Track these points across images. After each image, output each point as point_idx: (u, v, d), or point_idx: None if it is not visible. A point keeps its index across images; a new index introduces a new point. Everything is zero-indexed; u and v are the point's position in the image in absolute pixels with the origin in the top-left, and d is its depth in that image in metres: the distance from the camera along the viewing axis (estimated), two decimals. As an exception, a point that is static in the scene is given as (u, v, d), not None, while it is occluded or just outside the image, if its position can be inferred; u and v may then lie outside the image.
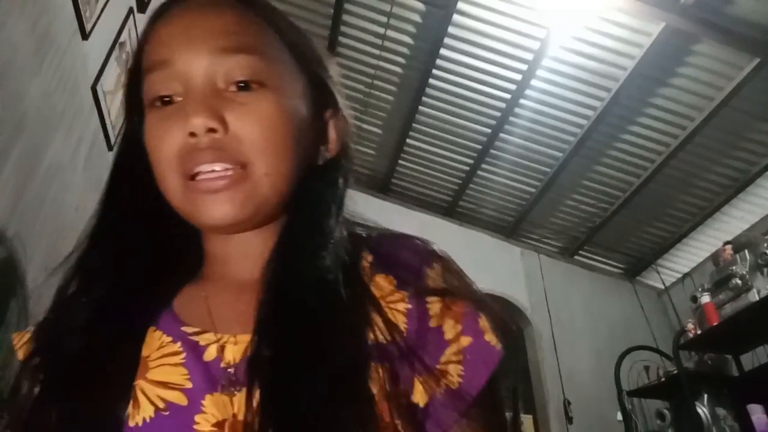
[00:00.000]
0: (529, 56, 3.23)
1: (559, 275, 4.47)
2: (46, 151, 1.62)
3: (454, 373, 0.45)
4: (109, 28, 1.96)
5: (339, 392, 0.41)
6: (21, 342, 0.52)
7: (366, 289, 0.47)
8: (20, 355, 0.50)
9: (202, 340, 0.47)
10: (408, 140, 3.95)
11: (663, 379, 2.94)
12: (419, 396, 0.44)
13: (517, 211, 4.33)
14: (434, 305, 0.47)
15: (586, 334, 4.23)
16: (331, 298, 0.45)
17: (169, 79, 0.47)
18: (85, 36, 1.74)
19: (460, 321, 0.47)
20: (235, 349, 0.46)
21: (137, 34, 2.20)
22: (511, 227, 4.46)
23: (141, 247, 0.52)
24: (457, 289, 0.49)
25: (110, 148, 2.11)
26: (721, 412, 2.53)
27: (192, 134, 0.45)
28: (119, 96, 2.14)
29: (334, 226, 0.50)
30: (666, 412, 2.79)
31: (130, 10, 2.11)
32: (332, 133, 0.56)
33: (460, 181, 4.19)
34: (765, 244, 2.46)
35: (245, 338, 0.45)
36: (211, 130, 0.45)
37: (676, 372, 2.71)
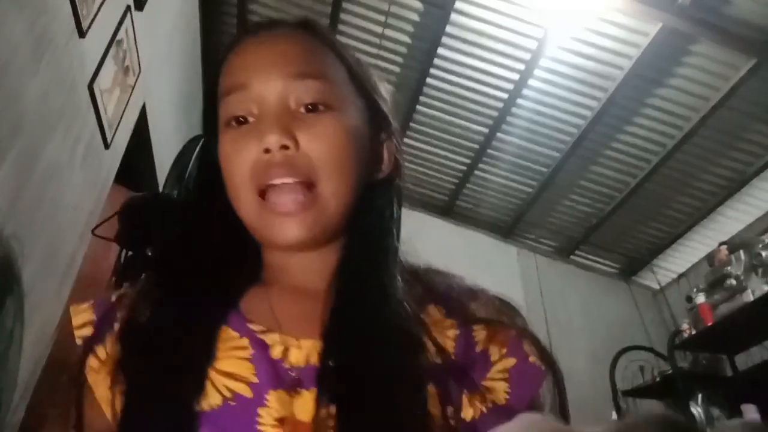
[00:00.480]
0: (526, 56, 3.24)
1: (555, 275, 4.48)
2: (44, 151, 1.62)
3: (501, 390, 0.50)
4: (107, 27, 1.95)
5: (402, 406, 0.45)
6: (78, 311, 0.56)
7: (418, 314, 0.51)
8: (76, 322, 0.55)
9: (268, 339, 0.50)
10: (405, 139, 3.95)
11: (658, 379, 2.95)
12: (468, 412, 0.48)
13: (514, 211, 4.33)
14: (480, 332, 0.52)
15: (582, 334, 4.24)
16: (395, 315, 0.49)
17: (245, 100, 0.52)
18: (82, 34, 1.73)
19: (505, 345, 0.52)
20: (298, 353, 0.49)
21: (134, 32, 2.19)
22: (507, 227, 4.47)
23: (212, 251, 0.56)
24: (499, 320, 0.54)
25: (107, 146, 2.11)
26: (715, 411, 2.55)
27: (267, 150, 0.50)
28: (116, 94, 2.13)
29: (393, 244, 0.55)
30: (661, 411, 2.80)
31: (128, 8, 2.10)
32: (385, 155, 0.60)
33: (457, 181, 4.20)
34: (760, 245, 2.48)
35: (308, 343, 0.49)
36: (284, 147, 0.50)
37: (671, 372, 2.73)
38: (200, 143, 1.55)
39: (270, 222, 0.51)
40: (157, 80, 2.68)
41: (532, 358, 0.52)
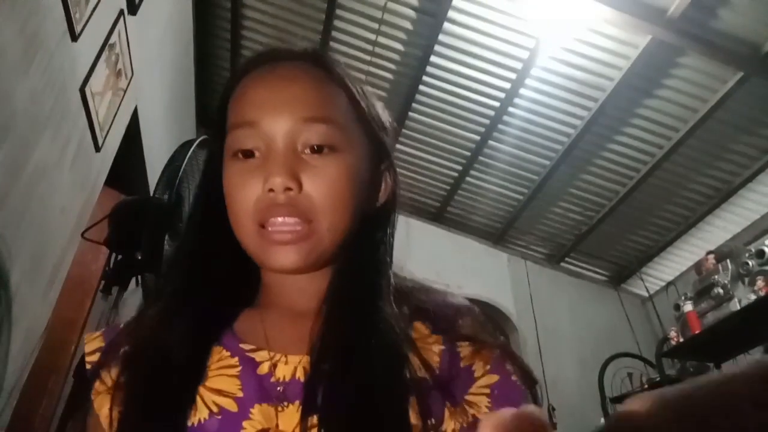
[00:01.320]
0: (518, 65, 3.27)
1: (545, 282, 4.51)
2: (33, 152, 1.61)
3: (482, 404, 0.52)
4: (99, 30, 1.95)
5: (386, 419, 0.47)
6: (91, 339, 0.60)
7: (406, 331, 0.54)
8: (87, 348, 0.58)
9: (258, 356, 0.53)
10: (398, 146, 3.94)
11: (646, 386, 2.97)
12: (449, 425, 0.50)
13: (505, 218, 4.36)
14: (465, 349, 0.54)
15: (571, 341, 4.26)
16: (382, 333, 0.52)
17: (254, 136, 0.54)
18: (74, 37, 1.73)
19: (488, 362, 0.54)
20: (285, 368, 0.52)
21: (127, 36, 2.19)
22: (498, 233, 4.49)
23: (211, 274, 0.59)
24: (485, 338, 0.56)
25: (98, 149, 2.10)
26: (702, 419, 2.56)
27: (271, 190, 0.52)
28: (108, 97, 2.13)
29: (387, 269, 0.58)
30: (648, 419, 2.81)
31: (121, 12, 2.10)
32: (384, 185, 0.62)
33: (449, 187, 4.22)
34: (746, 255, 2.51)
35: (295, 359, 0.52)
36: (288, 189, 0.52)
37: (659, 379, 2.74)
38: (192, 148, 1.56)
39: (268, 249, 0.54)
40: (149, 84, 2.68)
41: (514, 377, 0.54)
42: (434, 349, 0.54)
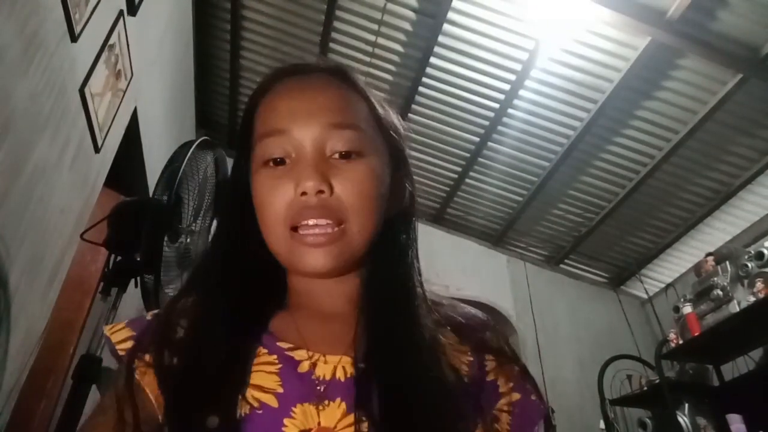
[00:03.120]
0: (518, 67, 3.27)
1: (544, 283, 4.51)
2: (32, 152, 1.61)
3: (504, 421, 0.55)
4: (99, 31, 1.95)
5: (445, 420, 0.49)
6: (113, 330, 0.59)
7: (437, 336, 0.56)
8: (116, 338, 0.58)
9: (297, 355, 0.54)
10: (397, 147, 3.96)
11: (645, 388, 2.96)
12: None
13: (504, 220, 4.36)
14: (490, 362, 0.57)
15: (571, 342, 4.26)
16: (422, 332, 0.54)
17: (284, 144, 0.57)
18: (74, 38, 1.73)
19: (510, 380, 0.57)
20: (325, 368, 0.53)
21: (127, 37, 2.19)
22: (498, 235, 4.49)
23: (244, 279, 0.60)
24: (510, 353, 0.59)
25: (97, 150, 2.10)
26: (701, 421, 2.56)
27: (304, 193, 0.54)
28: (107, 98, 2.13)
29: (416, 269, 0.61)
30: (648, 421, 2.81)
31: (120, 13, 2.10)
32: (402, 189, 0.65)
33: (449, 189, 4.22)
34: (746, 256, 2.51)
35: (334, 359, 0.54)
36: (320, 192, 0.54)
37: (658, 381, 2.74)
38: (191, 149, 1.55)
39: (299, 251, 0.56)
40: (148, 85, 2.68)
41: (533, 396, 0.57)
42: (463, 359, 0.56)
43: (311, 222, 0.55)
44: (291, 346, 0.55)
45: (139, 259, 1.48)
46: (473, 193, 4.23)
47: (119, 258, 1.56)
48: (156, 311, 0.61)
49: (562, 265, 4.68)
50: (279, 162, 0.57)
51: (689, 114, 3.25)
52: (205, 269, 0.63)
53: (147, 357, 0.54)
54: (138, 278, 1.49)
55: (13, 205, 1.53)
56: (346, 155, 0.57)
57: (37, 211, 1.69)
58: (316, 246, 0.55)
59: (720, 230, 3.87)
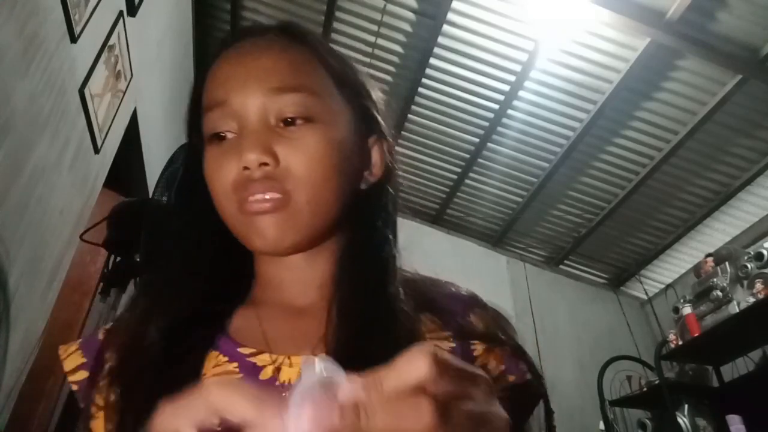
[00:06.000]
0: (517, 68, 3.27)
1: (544, 284, 4.50)
2: (32, 153, 1.61)
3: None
4: (99, 32, 1.95)
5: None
6: (67, 353, 0.55)
7: (416, 324, 0.51)
8: (67, 366, 0.54)
9: (259, 361, 0.49)
10: (397, 148, 3.93)
11: (645, 389, 2.96)
12: None
13: (504, 220, 4.36)
14: (478, 347, 0.52)
15: (570, 343, 4.26)
16: (393, 326, 0.48)
17: (225, 117, 0.52)
18: (73, 39, 1.73)
19: (502, 362, 0.52)
20: (290, 371, 0.48)
21: (126, 38, 2.19)
22: (497, 236, 4.49)
23: (200, 271, 0.55)
24: (497, 335, 0.54)
25: (97, 151, 2.10)
26: (701, 422, 2.56)
27: (246, 168, 0.50)
28: (107, 99, 2.13)
29: (391, 252, 0.54)
30: (647, 422, 2.81)
31: (120, 14, 2.10)
32: (376, 158, 0.59)
33: (448, 190, 4.22)
34: (745, 257, 2.51)
35: (299, 360, 0.48)
36: (264, 164, 0.49)
37: (657, 382, 2.74)
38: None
39: (250, 222, 0.51)
40: (148, 85, 2.68)
41: (528, 376, 0.53)
42: (444, 346, 0.51)
43: (258, 197, 0.50)
44: (253, 350, 0.50)
45: (138, 259, 1.49)
46: (473, 193, 4.22)
47: (119, 258, 1.56)
48: (108, 326, 0.56)
49: (561, 266, 4.68)
50: (224, 136, 0.52)
51: (689, 115, 3.25)
52: (158, 263, 0.58)
53: (100, 396, 0.50)
54: (138, 279, 1.49)
55: (13, 206, 1.53)
56: (293, 121, 0.51)
57: (36, 212, 1.69)
58: (262, 213, 0.50)
59: (719, 231, 3.87)
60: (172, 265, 0.57)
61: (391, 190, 0.59)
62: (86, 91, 1.89)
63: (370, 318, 0.49)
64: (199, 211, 0.56)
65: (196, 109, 0.56)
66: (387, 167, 0.59)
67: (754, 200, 3.64)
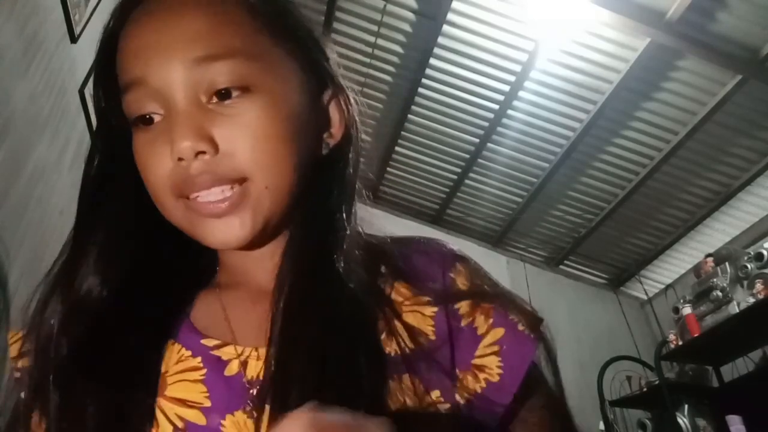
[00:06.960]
0: (517, 68, 3.27)
1: (544, 284, 4.50)
2: (32, 153, 1.61)
3: (493, 365, 0.45)
4: (99, 32, 1.95)
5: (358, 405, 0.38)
6: (14, 339, 0.49)
7: (385, 298, 0.46)
8: (12, 351, 0.48)
9: (224, 354, 0.44)
10: (397, 148, 3.97)
11: (645, 390, 2.96)
12: (460, 395, 0.44)
13: (504, 221, 4.36)
14: (463, 306, 0.47)
15: (570, 343, 4.25)
16: (350, 308, 0.43)
17: (146, 98, 0.44)
18: (74, 39, 1.73)
19: (490, 315, 0.47)
20: (258, 364, 0.43)
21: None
22: (497, 236, 4.49)
23: (150, 252, 0.48)
24: (481, 288, 0.49)
25: (97, 151, 2.10)
26: (701, 422, 2.56)
27: (181, 159, 0.42)
28: (107, 99, 2.13)
29: (342, 224, 0.47)
30: (647, 422, 2.81)
31: (120, 14, 2.10)
32: (334, 116, 0.51)
33: (448, 190, 4.22)
34: (745, 258, 2.51)
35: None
36: (201, 153, 0.42)
37: (657, 382, 2.74)
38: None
39: (202, 225, 0.44)
40: (148, 85, 2.67)
41: (521, 326, 0.48)
42: (425, 312, 0.46)
43: (203, 193, 0.43)
44: (217, 342, 0.45)
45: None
46: (473, 194, 4.22)
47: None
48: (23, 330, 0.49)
49: (561, 266, 4.68)
50: (151, 119, 0.44)
51: (688, 115, 3.25)
52: (110, 242, 0.47)
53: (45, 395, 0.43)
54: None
55: (13, 206, 1.53)
56: (226, 94, 0.43)
57: (36, 212, 1.69)
58: (220, 216, 0.43)
59: (719, 231, 3.87)
60: (122, 247, 0.48)
61: (352, 152, 0.51)
62: (86, 91, 1.90)
63: (312, 303, 0.43)
64: (131, 204, 0.48)
65: (109, 83, 0.47)
66: (348, 125, 0.51)
67: (754, 200, 3.64)
